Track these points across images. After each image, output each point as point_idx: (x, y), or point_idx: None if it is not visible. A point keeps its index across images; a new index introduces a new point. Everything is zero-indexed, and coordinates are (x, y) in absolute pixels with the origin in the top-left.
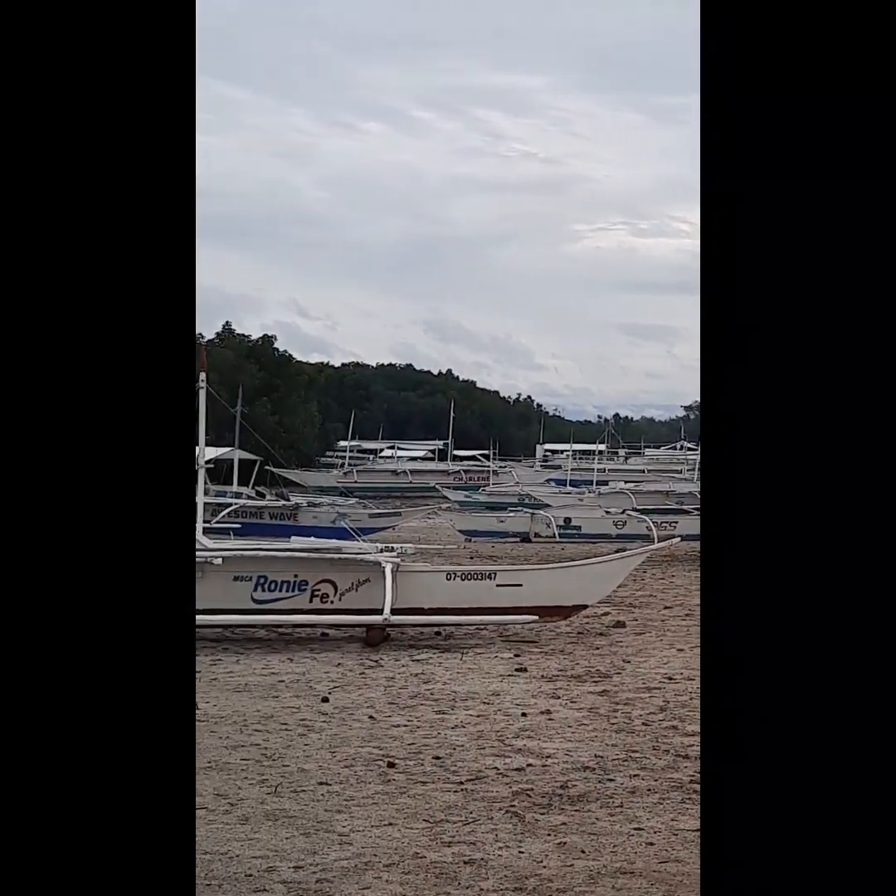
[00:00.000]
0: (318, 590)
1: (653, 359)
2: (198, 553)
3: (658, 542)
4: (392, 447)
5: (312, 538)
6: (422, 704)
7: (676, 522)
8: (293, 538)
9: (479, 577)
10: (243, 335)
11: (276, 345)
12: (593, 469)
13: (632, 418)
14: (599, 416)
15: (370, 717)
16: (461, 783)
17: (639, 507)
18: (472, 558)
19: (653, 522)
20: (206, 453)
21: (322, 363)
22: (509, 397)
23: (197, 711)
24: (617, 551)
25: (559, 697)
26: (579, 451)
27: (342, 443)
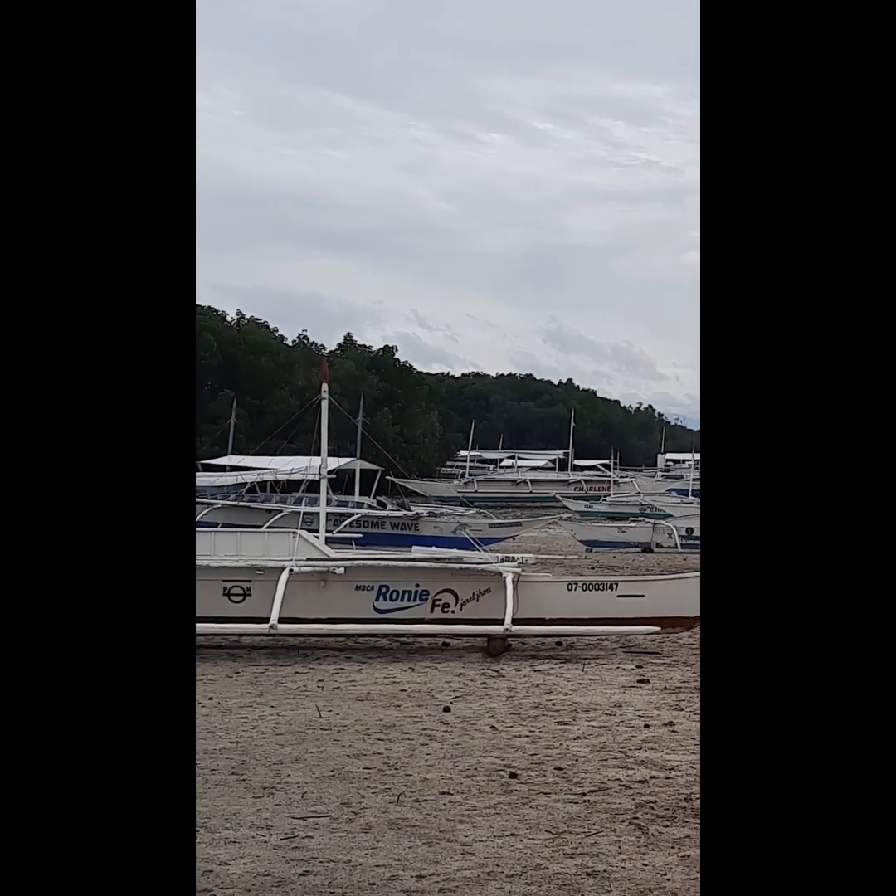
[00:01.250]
0: (440, 599)
1: None
2: (321, 563)
3: None
4: (512, 457)
5: (433, 548)
6: (543, 715)
7: None
8: (414, 548)
9: (601, 587)
10: (364, 346)
11: (396, 355)
12: None
13: None
14: None
15: (492, 727)
16: (584, 794)
17: None
18: (592, 568)
19: None
20: (328, 464)
21: (442, 373)
22: (630, 407)
23: (319, 719)
24: None
25: (682, 709)
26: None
27: (462, 452)
